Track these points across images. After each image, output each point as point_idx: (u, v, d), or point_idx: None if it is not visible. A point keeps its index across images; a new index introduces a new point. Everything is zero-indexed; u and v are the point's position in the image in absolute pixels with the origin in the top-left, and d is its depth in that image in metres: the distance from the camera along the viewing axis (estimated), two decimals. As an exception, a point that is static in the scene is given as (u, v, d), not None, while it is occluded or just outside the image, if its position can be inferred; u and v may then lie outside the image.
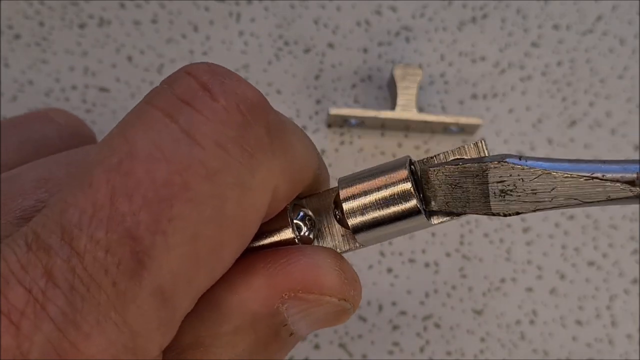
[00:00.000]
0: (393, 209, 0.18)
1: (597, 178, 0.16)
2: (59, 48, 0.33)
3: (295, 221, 0.19)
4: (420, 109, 0.33)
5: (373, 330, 0.32)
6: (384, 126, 0.33)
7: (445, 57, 0.34)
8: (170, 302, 0.14)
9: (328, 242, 0.19)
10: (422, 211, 0.18)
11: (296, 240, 0.18)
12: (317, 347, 0.31)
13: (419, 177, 0.18)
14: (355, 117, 0.32)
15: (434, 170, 0.18)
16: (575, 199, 0.16)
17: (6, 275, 0.13)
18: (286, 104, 0.33)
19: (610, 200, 0.16)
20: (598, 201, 0.16)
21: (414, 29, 0.34)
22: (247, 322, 0.17)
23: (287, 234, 0.18)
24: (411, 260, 0.32)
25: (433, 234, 0.32)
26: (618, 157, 0.33)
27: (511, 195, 0.17)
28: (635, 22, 0.34)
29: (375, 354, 0.31)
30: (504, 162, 0.17)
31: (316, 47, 0.34)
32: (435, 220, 0.18)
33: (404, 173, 0.18)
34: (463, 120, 0.32)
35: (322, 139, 0.33)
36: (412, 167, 0.18)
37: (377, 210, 0.18)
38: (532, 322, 0.32)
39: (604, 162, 0.16)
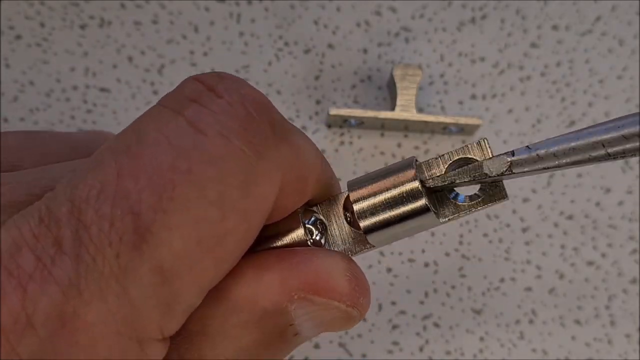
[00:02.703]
0: (403, 209, 0.18)
1: (604, 156, 0.16)
2: (60, 48, 0.33)
3: (307, 225, 0.19)
4: (420, 109, 0.33)
5: (373, 329, 0.32)
6: (383, 126, 0.33)
7: (444, 57, 0.34)
8: (171, 282, 0.15)
9: (339, 246, 0.19)
10: (431, 209, 0.18)
11: (309, 243, 0.19)
12: (317, 346, 0.31)
13: (426, 177, 0.19)
14: (355, 118, 0.32)
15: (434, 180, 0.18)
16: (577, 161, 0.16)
17: (19, 242, 0.14)
18: (286, 104, 0.33)
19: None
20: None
21: (414, 29, 0.34)
22: (255, 317, 0.17)
23: (299, 236, 0.19)
24: (411, 260, 0.32)
25: (432, 234, 0.32)
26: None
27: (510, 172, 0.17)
28: (635, 22, 0.35)
29: (374, 353, 0.31)
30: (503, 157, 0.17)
31: (316, 48, 0.34)
32: (443, 218, 0.19)
33: (411, 173, 0.18)
34: (462, 120, 0.32)
35: (322, 139, 0.33)
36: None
37: (388, 210, 0.18)
38: (531, 321, 0.32)
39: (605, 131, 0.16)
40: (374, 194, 0.18)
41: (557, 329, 0.32)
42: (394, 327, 0.32)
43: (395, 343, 0.32)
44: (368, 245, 0.19)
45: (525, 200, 0.33)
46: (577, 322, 0.32)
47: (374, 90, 0.34)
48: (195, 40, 0.34)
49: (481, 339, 0.32)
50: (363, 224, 0.18)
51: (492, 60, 0.34)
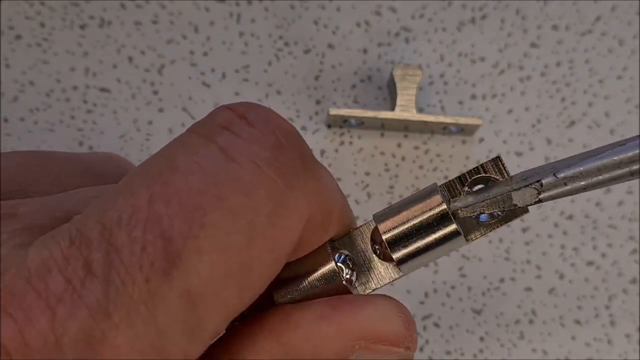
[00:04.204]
0: (434, 236, 0.18)
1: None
2: (60, 48, 0.33)
3: (338, 264, 0.19)
4: (420, 110, 0.33)
5: (373, 329, 0.32)
6: (383, 126, 0.33)
7: (444, 57, 0.34)
8: (198, 309, 0.15)
9: (371, 278, 0.20)
10: (461, 232, 0.18)
11: (343, 283, 0.19)
12: (317, 346, 0.31)
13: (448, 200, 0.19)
14: (355, 118, 0.32)
15: (461, 211, 0.19)
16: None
17: (49, 264, 0.14)
18: (286, 104, 0.33)
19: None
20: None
21: (414, 29, 0.34)
22: None
23: (330, 273, 0.19)
24: (411, 260, 0.32)
25: (432, 234, 0.32)
26: (617, 157, 0.33)
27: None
28: (634, 22, 0.35)
29: (374, 353, 0.31)
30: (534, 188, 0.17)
31: (316, 48, 0.34)
32: (470, 240, 0.19)
33: (437, 199, 0.18)
34: (462, 120, 0.32)
35: (322, 139, 0.33)
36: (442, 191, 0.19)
37: (419, 239, 0.19)
38: (531, 321, 0.32)
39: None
40: (403, 224, 0.19)
41: (557, 329, 0.32)
42: (394, 327, 0.32)
43: (395, 343, 0.32)
44: (399, 274, 0.20)
45: (525, 200, 0.33)
46: (577, 322, 0.32)
47: (374, 90, 0.34)
48: (195, 40, 0.34)
49: (481, 339, 0.32)
50: (396, 255, 0.19)
51: (492, 60, 0.34)
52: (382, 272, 0.20)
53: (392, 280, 0.20)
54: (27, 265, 0.14)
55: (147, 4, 0.34)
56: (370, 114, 0.32)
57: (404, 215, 0.19)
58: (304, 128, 0.33)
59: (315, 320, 0.18)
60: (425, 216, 0.18)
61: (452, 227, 0.18)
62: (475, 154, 0.33)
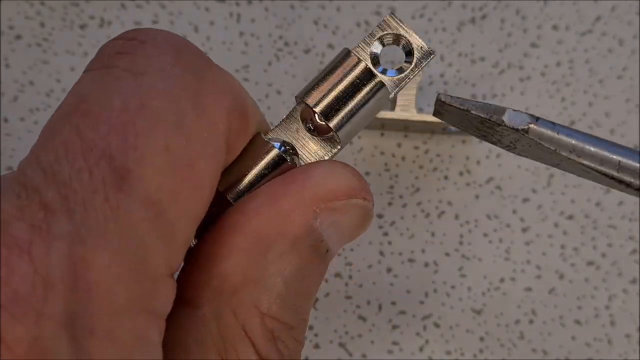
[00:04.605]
0: (362, 93, 0.19)
1: (609, 176, 0.16)
2: (60, 48, 0.33)
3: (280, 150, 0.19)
4: (420, 109, 0.33)
5: (373, 329, 0.32)
6: (383, 126, 0.33)
7: (444, 57, 0.34)
8: (164, 213, 0.15)
9: (311, 158, 0.20)
10: (385, 84, 0.20)
11: (289, 164, 0.19)
12: (317, 346, 0.31)
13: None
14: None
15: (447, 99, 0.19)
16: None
17: (5, 219, 0.14)
18: (286, 105, 0.33)
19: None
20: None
21: (414, 29, 0.34)
22: (289, 245, 0.18)
23: (276, 157, 0.19)
24: (410, 260, 0.32)
25: (433, 234, 0.32)
26: (617, 157, 0.33)
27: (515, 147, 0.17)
28: (635, 22, 0.35)
29: (374, 353, 0.31)
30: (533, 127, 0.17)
31: (316, 48, 0.34)
32: (393, 89, 0.20)
33: (354, 59, 0.19)
34: (462, 120, 0.32)
35: (322, 139, 0.33)
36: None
37: (349, 100, 0.19)
38: (531, 321, 0.32)
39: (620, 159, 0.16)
40: (329, 91, 0.19)
41: (557, 329, 0.32)
42: (394, 327, 0.32)
43: (395, 343, 0.32)
44: (337, 146, 0.20)
45: (525, 200, 0.33)
46: (577, 322, 0.32)
47: (374, 90, 0.34)
48: (195, 40, 0.34)
49: (481, 339, 0.32)
50: (332, 122, 0.19)
51: (492, 60, 0.34)
52: (320, 151, 0.20)
53: (333, 155, 0.20)
54: None
55: (147, 4, 0.34)
56: (370, 114, 0.32)
57: (327, 83, 0.19)
58: (304, 128, 0.33)
59: (270, 201, 0.18)
60: (349, 77, 0.19)
61: (377, 78, 0.19)
62: (475, 154, 0.33)
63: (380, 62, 0.20)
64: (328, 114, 0.19)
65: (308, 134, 0.20)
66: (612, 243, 0.33)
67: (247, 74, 0.34)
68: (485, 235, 0.33)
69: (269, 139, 0.20)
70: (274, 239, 0.17)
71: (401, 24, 0.21)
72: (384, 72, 0.20)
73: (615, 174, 0.16)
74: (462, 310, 0.32)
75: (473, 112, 0.18)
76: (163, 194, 0.15)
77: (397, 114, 0.32)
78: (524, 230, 0.33)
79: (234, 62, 0.34)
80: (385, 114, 0.32)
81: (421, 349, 0.32)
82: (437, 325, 0.32)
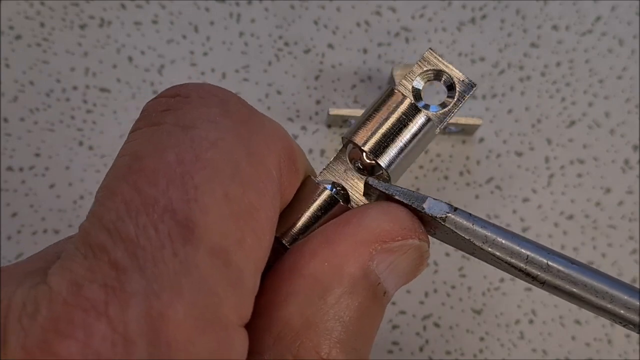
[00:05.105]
0: (410, 128, 0.19)
1: (525, 272, 0.17)
2: (60, 48, 0.33)
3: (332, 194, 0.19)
4: (420, 109, 0.33)
5: (373, 329, 0.32)
6: (383, 126, 0.33)
7: (444, 57, 0.34)
8: (231, 262, 0.15)
9: (362, 197, 0.20)
10: (431, 119, 0.20)
11: (342, 204, 0.19)
12: (317, 346, 0.31)
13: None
14: (355, 117, 0.32)
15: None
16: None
17: (77, 281, 0.14)
18: (286, 104, 0.33)
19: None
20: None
21: (414, 29, 0.34)
22: (347, 287, 0.17)
23: (328, 199, 0.19)
24: (411, 260, 0.32)
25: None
26: (616, 158, 0.33)
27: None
28: (634, 22, 0.35)
29: (374, 353, 0.31)
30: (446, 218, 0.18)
31: (316, 48, 0.34)
32: (439, 125, 0.20)
33: (399, 95, 0.19)
34: (462, 120, 0.32)
35: (322, 139, 0.33)
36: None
37: (396, 137, 0.19)
38: (531, 321, 0.32)
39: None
40: (377, 129, 0.19)
41: (557, 329, 0.32)
42: (394, 327, 0.32)
43: (395, 343, 0.32)
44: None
45: (525, 200, 0.33)
46: (577, 322, 0.32)
47: (374, 90, 0.34)
48: (195, 40, 0.34)
49: (481, 339, 0.32)
50: (382, 160, 0.19)
51: (492, 60, 0.34)
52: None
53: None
54: (56, 292, 0.14)
55: (147, 4, 0.34)
56: (370, 114, 0.32)
57: (374, 122, 0.19)
58: (304, 128, 0.33)
59: (326, 244, 0.18)
60: (395, 114, 0.19)
61: (422, 114, 0.19)
62: (475, 154, 0.33)
63: (423, 97, 0.20)
64: (377, 152, 0.19)
65: (357, 174, 0.20)
66: (612, 243, 0.33)
67: (247, 74, 0.34)
68: (485, 235, 0.33)
69: (319, 181, 0.20)
70: (332, 281, 0.17)
71: (440, 60, 0.20)
72: (426, 107, 0.20)
73: (523, 266, 0.18)
74: (462, 310, 0.32)
75: (396, 197, 0.18)
76: (228, 242, 0.15)
77: (397, 114, 0.32)
78: (524, 230, 0.33)
79: (234, 62, 0.34)
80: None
81: (421, 349, 0.32)
82: (437, 325, 0.32)
